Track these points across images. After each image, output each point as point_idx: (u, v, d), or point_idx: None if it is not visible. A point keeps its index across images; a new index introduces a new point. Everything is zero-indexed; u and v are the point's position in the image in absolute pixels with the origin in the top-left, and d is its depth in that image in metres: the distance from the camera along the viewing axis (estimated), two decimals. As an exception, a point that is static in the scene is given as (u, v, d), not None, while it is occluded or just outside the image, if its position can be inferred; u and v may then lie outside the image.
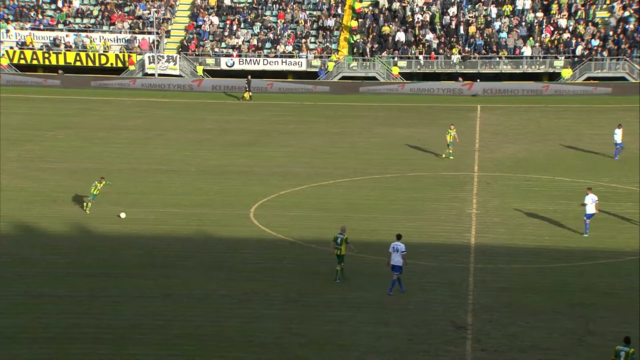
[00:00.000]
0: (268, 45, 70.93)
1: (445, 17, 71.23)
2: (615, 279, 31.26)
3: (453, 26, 70.42)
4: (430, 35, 69.85)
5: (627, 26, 68.06)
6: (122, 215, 37.99)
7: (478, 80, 66.69)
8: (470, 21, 70.54)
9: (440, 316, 28.12)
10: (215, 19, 73.17)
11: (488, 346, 26.03)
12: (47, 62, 70.30)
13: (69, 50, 70.57)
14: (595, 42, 67.43)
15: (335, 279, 31.02)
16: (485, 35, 69.38)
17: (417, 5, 72.37)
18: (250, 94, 64.67)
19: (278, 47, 70.45)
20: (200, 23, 72.91)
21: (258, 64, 69.47)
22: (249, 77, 65.80)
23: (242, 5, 74.57)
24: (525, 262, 33.06)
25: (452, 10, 71.52)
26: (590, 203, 35.21)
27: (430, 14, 71.60)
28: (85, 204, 39.06)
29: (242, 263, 33.23)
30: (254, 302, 29.41)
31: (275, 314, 28.57)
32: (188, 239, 35.85)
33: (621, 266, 32.49)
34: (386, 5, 72.87)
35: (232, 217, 38.49)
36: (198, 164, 47.52)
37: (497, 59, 68.28)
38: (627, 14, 68.96)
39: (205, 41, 71.23)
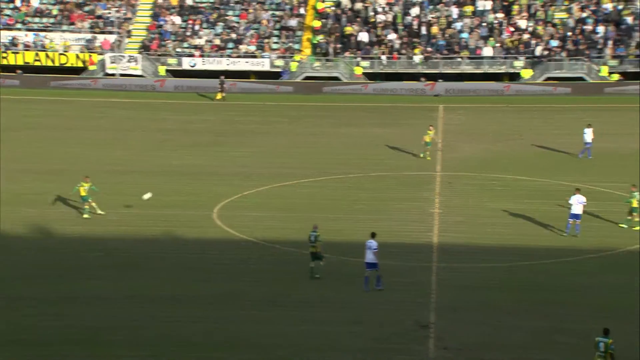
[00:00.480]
0: (231, 45, 70.78)
1: (407, 17, 71.55)
2: (577, 277, 31.61)
3: (415, 26, 70.76)
4: (392, 36, 70.13)
5: (584, 27, 68.88)
6: (146, 196, 37.33)
7: (440, 80, 67.09)
8: (432, 22, 70.94)
9: (404, 315, 28.25)
10: (177, 19, 72.83)
11: (451, 345, 26.17)
12: (5, 62, 69.46)
13: (28, 50, 69.82)
14: (554, 43, 68.14)
15: (311, 276, 31.10)
16: (447, 35, 69.81)
17: (379, 5, 72.63)
18: (224, 94, 64.42)
19: (241, 47, 70.32)
20: (161, 23, 72.52)
21: (220, 64, 69.24)
22: (222, 77, 65.51)
23: (204, 5, 74.32)
24: (488, 260, 33.32)
25: (414, 10, 71.87)
26: (576, 204, 35.36)
27: (393, 14, 71.89)
28: (86, 208, 38.11)
29: (206, 264, 33.14)
30: (223, 303, 29.34)
31: (242, 314, 28.53)
32: (151, 240, 35.68)
33: (584, 264, 32.87)
34: (349, 6, 73.04)
35: (195, 218, 38.36)
36: (160, 165, 47.27)
37: (459, 59, 68.74)
38: (584, 15, 69.77)
39: (167, 41, 70.89)
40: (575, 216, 35.31)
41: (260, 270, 32.48)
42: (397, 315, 28.25)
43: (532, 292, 30.14)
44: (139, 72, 68.71)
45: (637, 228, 36.09)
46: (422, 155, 48.14)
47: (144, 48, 70.26)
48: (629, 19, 68.66)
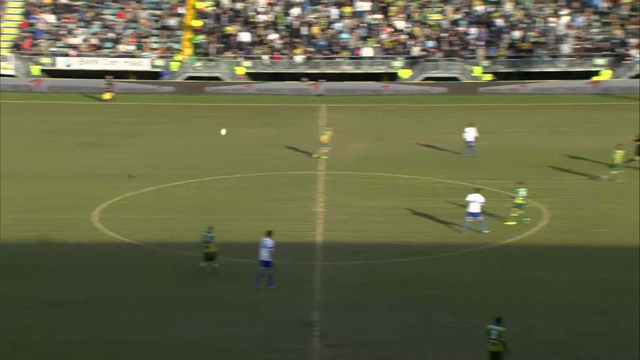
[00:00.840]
0: (109, 44, 69.55)
1: (288, 17, 71.94)
2: (454, 272, 32.51)
3: (296, 27, 71.22)
4: (274, 36, 70.38)
5: (458, 28, 70.83)
6: (224, 131, 36.07)
7: (323, 80, 67.73)
8: (312, 22, 71.53)
9: (289, 314, 28.47)
10: (51, 17, 71.07)
11: (335, 342, 26.49)
12: None
13: None
14: (430, 44, 69.79)
15: (200, 276, 31.07)
16: (327, 36, 70.55)
17: (260, 5, 72.75)
18: (113, 94, 63.16)
19: (119, 46, 69.20)
20: (33, 21, 70.63)
21: (98, 63, 67.98)
22: (109, 77, 64.20)
23: (79, 3, 72.74)
24: (371, 258, 33.88)
25: (295, 11, 72.32)
26: (473, 202, 36.08)
27: (274, 14, 72.15)
28: None
29: (86, 269, 32.56)
30: (108, 308, 28.93)
31: (128, 319, 28.19)
32: (29, 244, 34.80)
33: (459, 259, 33.82)
34: (229, 5, 72.88)
35: (75, 221, 37.63)
36: (38, 168, 46.11)
37: (340, 59, 69.57)
38: (458, 16, 71.74)
39: (40, 40, 69.09)
40: (473, 214, 36.00)
41: (141, 274, 32.16)
42: (282, 315, 28.45)
43: (411, 288, 30.74)
44: (11, 72, 66.71)
45: (513, 223, 37.33)
46: (317, 154, 48.44)
47: (16, 47, 68.30)
48: (499, 21, 70.98)
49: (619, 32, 68.52)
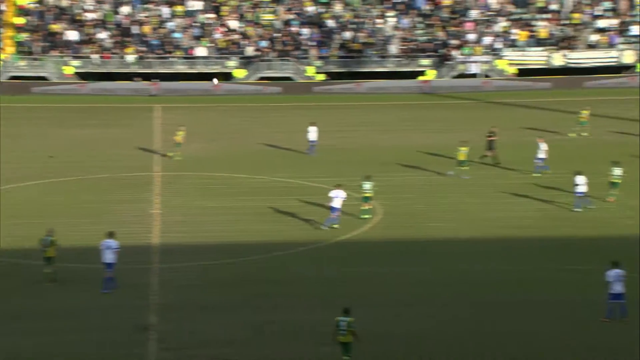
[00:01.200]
0: None
1: (117, 16, 70.44)
2: (292, 269, 32.71)
3: (126, 25, 69.83)
4: (103, 34, 68.75)
5: (291, 29, 71.49)
6: (215, 81, 34.01)
7: (157, 80, 66.73)
8: (143, 21, 70.34)
9: (125, 319, 27.87)
10: None
11: (173, 345, 26.17)
12: None
13: None
14: (264, 43, 70.09)
15: (45, 281, 30.19)
16: (159, 35, 69.58)
17: (87, 3, 70.87)
18: None
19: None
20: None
21: None
22: None
23: None
24: (209, 258, 33.64)
25: (125, 9, 70.92)
26: (335, 197, 36.28)
27: (102, 12, 70.47)
28: None
29: None
30: None
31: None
32: None
33: (295, 257, 34.08)
34: (54, 3, 70.61)
35: None
36: None
37: (173, 59, 68.77)
38: (290, 17, 72.42)
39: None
40: (334, 209, 36.38)
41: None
42: (118, 320, 27.81)
43: (249, 287, 30.72)
44: None
45: (368, 216, 37.92)
46: (170, 154, 47.68)
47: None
48: (330, 22, 72.16)
49: (441, 34, 71.05)
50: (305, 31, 71.04)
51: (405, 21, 71.89)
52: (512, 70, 69.40)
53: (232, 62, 69.04)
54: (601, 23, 70.93)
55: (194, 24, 70.95)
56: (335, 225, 36.47)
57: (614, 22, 70.93)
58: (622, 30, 70.63)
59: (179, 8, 71.86)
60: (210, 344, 26.34)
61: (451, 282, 30.99)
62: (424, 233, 36.44)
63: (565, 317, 27.94)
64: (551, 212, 38.77)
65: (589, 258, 32.60)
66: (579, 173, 38.70)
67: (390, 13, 72.73)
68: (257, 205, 39.75)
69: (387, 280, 31.35)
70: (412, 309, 28.60)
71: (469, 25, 71.26)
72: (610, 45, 69.88)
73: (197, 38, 70.11)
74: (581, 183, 38.47)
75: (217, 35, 70.44)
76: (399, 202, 39.96)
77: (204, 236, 36.22)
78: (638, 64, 68.79)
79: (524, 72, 69.23)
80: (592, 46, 70.03)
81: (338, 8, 73.21)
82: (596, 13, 71.69)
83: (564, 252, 34.09)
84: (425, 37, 71.11)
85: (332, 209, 36.39)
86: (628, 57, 69.21)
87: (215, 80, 38.91)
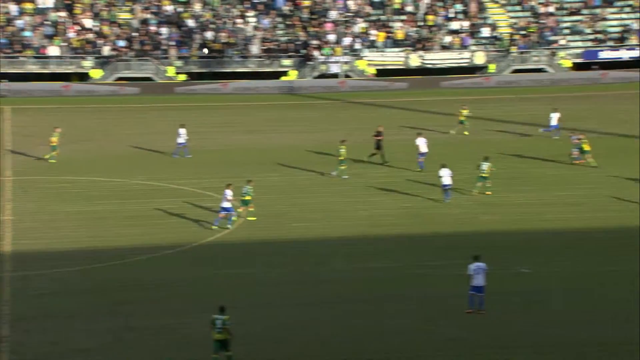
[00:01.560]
0: None
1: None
2: (154, 274, 31.81)
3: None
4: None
5: (149, 28, 69.97)
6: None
7: (5, 80, 64.02)
8: (-12, 18, 67.45)
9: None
10: None
11: (27, 356, 25.17)
12: None
13: None
14: (121, 43, 68.32)
15: None
16: (7, 33, 66.79)
17: None
18: None
19: None
20: None
21: None
22: None
23: None
24: (65, 265, 32.40)
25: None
26: (226, 198, 35.83)
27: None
28: None
29: None
30: None
31: None
32: None
33: (158, 261, 33.18)
34: None
35: None
36: None
37: (24, 58, 66.21)
38: (148, 16, 70.87)
39: None
40: (225, 209, 36.04)
41: None
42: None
43: (108, 293, 29.78)
44: None
45: (253, 218, 37.29)
46: (47, 156, 46.16)
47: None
48: (190, 21, 71.04)
49: (302, 34, 71.12)
50: (164, 30, 69.66)
51: (266, 21, 71.55)
52: (371, 70, 70.13)
53: (88, 62, 66.95)
54: (454, 25, 72.53)
55: (45, 22, 68.38)
56: (226, 226, 35.87)
57: (465, 24, 72.68)
58: (474, 32, 72.47)
59: (28, 5, 69.12)
60: (68, 354, 25.44)
61: (309, 282, 30.74)
62: (288, 233, 36.12)
63: (431, 310, 28.23)
64: (414, 210, 39.11)
65: (448, 254, 33.02)
66: (444, 166, 39.43)
67: (250, 13, 72.24)
68: (116, 209, 38.59)
69: (246, 282, 30.88)
70: (269, 310, 28.24)
71: (328, 26, 71.58)
72: (463, 47, 71.55)
73: (49, 37, 67.63)
74: (445, 175, 39.23)
75: (71, 34, 68.16)
76: (264, 203, 39.47)
77: (59, 243, 34.90)
78: (489, 65, 70.75)
79: (383, 73, 70.07)
80: (446, 47, 71.52)
81: (197, 7, 72.16)
82: (449, 15, 73.25)
83: (424, 248, 34.43)
84: (286, 38, 70.99)
85: (222, 209, 36.18)
86: (479, 58, 71.06)
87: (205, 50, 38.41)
